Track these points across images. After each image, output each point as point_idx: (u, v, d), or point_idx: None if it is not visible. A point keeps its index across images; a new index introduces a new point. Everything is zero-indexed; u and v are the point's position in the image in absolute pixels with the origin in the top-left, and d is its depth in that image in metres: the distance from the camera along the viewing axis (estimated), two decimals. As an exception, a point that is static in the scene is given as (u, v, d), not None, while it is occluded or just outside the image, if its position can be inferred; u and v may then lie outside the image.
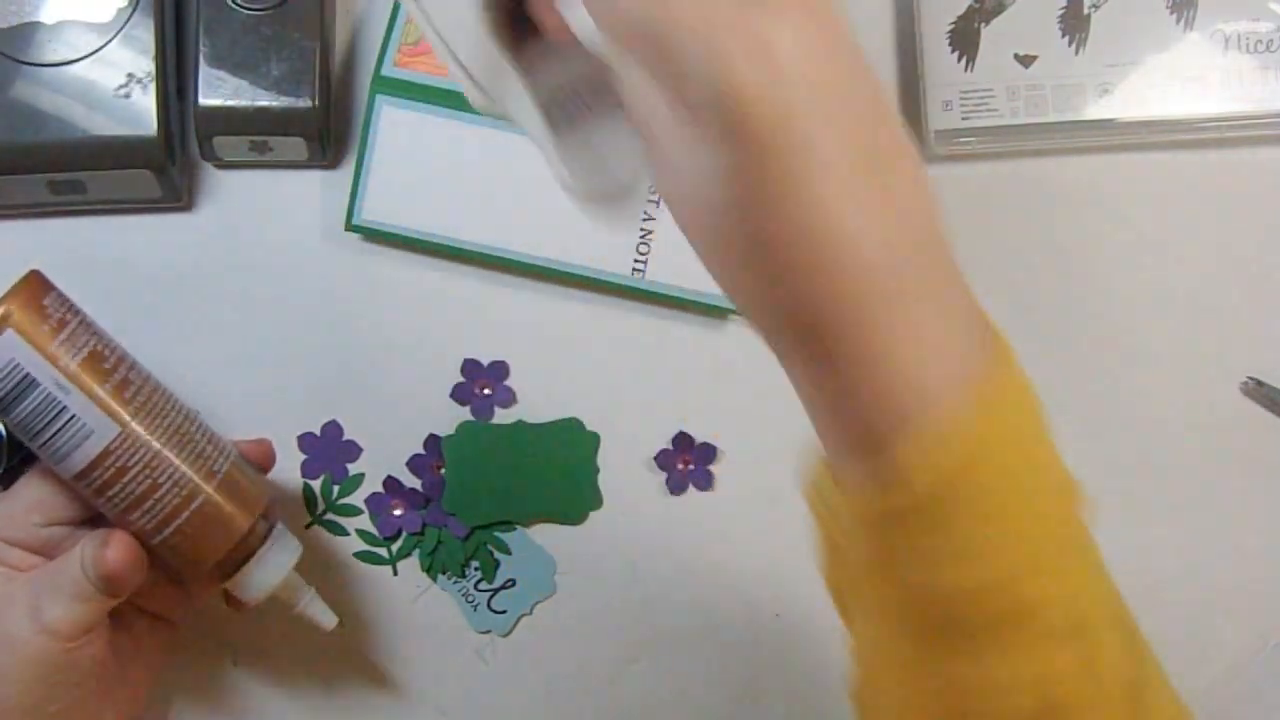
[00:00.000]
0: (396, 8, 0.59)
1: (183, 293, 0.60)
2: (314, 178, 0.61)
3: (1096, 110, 0.58)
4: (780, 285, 0.36)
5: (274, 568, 0.52)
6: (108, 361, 0.49)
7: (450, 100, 0.58)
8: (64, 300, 0.49)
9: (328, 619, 0.54)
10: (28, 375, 0.47)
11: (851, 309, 0.36)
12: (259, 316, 0.60)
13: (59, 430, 0.47)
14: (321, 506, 0.59)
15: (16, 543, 0.50)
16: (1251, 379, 0.59)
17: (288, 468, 0.59)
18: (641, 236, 0.57)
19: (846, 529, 0.40)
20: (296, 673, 0.59)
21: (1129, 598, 0.59)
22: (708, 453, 0.59)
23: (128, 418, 0.48)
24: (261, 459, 0.54)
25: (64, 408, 0.47)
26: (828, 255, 0.35)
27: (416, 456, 0.59)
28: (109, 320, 0.50)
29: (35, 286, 0.48)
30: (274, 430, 0.56)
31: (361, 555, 0.59)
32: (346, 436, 0.59)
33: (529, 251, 0.58)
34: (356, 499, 0.59)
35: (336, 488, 0.59)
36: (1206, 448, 0.59)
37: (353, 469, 0.59)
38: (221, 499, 0.51)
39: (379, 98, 0.58)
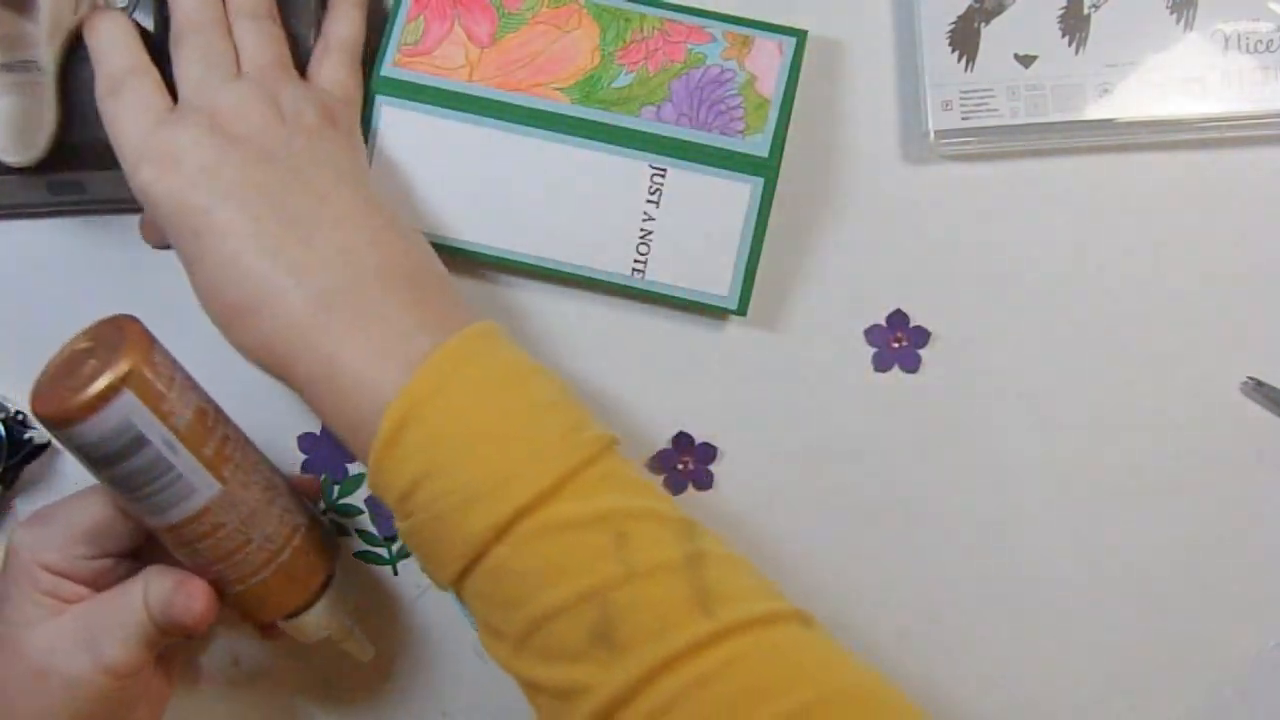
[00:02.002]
0: (397, 7, 0.59)
1: (182, 291, 0.60)
2: (314, 178, 0.61)
3: (1096, 110, 0.58)
4: (242, 344, 0.47)
5: (332, 614, 0.53)
6: (210, 418, 0.48)
7: (450, 100, 0.58)
8: (167, 354, 0.48)
9: (366, 653, 0.55)
10: (140, 435, 0.45)
11: (291, 349, 0.46)
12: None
13: (161, 488, 0.46)
14: (321, 506, 0.59)
15: (62, 572, 0.49)
16: (1251, 379, 0.59)
17: (288, 468, 0.59)
18: (641, 237, 0.57)
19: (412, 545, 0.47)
20: (297, 672, 0.60)
21: (1129, 597, 0.59)
22: (707, 453, 0.59)
23: (228, 475, 0.48)
24: (307, 494, 0.55)
25: (171, 466, 0.46)
26: (257, 313, 0.46)
27: (416, 456, 0.59)
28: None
29: (144, 340, 0.47)
30: (274, 430, 0.56)
31: (361, 555, 0.59)
32: (346, 436, 0.59)
33: (529, 251, 0.58)
34: (356, 499, 0.59)
35: (336, 488, 0.59)
36: (1206, 448, 0.59)
37: (353, 469, 0.59)
38: (301, 556, 0.51)
39: (379, 98, 0.58)
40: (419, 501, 0.44)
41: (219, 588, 0.49)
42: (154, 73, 0.52)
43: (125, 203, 0.59)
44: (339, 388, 0.45)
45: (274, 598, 0.50)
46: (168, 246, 0.51)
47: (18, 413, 0.58)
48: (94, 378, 0.44)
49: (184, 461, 0.46)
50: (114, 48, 0.52)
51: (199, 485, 0.47)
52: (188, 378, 0.48)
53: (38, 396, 0.45)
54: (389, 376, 0.44)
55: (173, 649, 0.52)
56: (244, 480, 0.48)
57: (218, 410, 0.49)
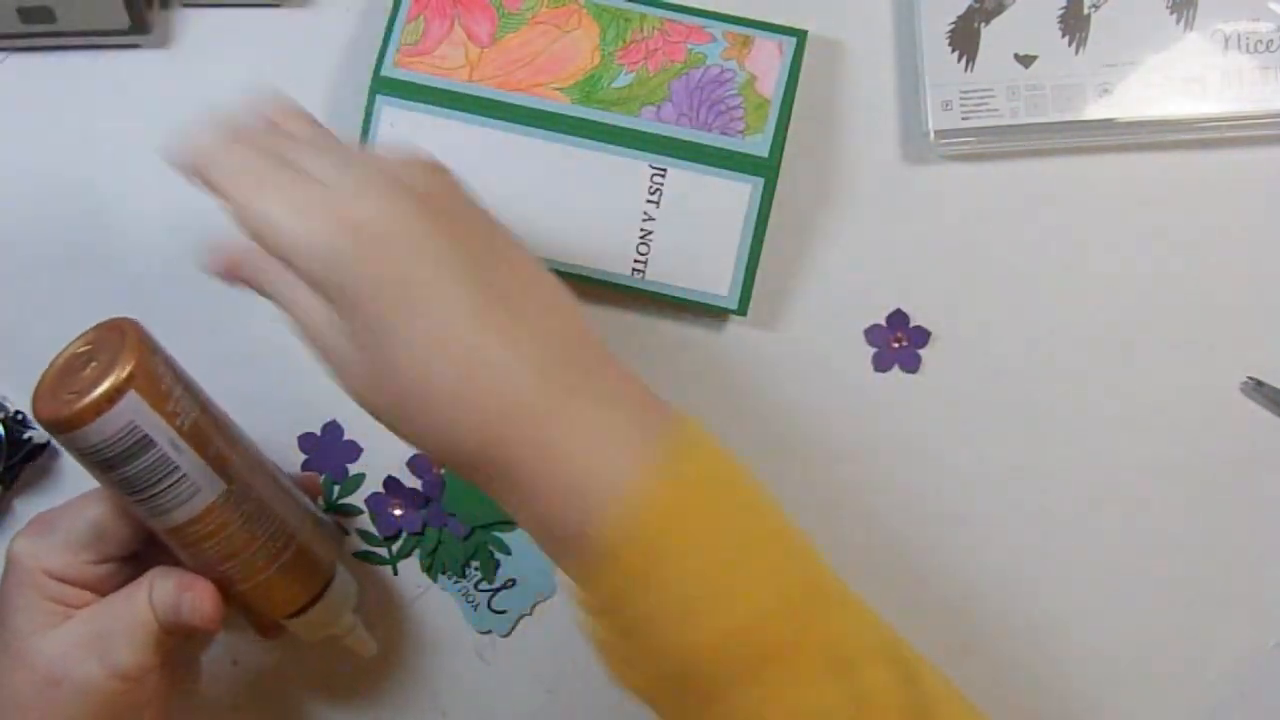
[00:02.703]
0: (397, 7, 0.59)
1: (183, 291, 0.60)
2: (314, 178, 0.61)
3: (1096, 110, 0.58)
4: (441, 432, 0.39)
5: (336, 611, 0.53)
6: (212, 417, 0.48)
7: (450, 100, 0.58)
8: (167, 354, 0.47)
9: (370, 649, 0.55)
10: (145, 436, 0.45)
11: (504, 441, 0.39)
12: (259, 316, 0.60)
13: (167, 489, 0.46)
14: (322, 506, 0.59)
15: (66, 578, 0.49)
16: (1251, 379, 0.59)
17: (288, 468, 0.59)
18: (641, 237, 0.57)
19: (601, 638, 0.42)
20: (296, 672, 0.60)
21: (1130, 597, 0.59)
22: (708, 453, 0.59)
23: (232, 473, 0.47)
24: (308, 492, 0.55)
25: (176, 467, 0.46)
26: (472, 392, 0.39)
27: (417, 456, 0.59)
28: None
29: (144, 341, 0.46)
30: (274, 430, 0.56)
31: (361, 555, 0.59)
32: (347, 436, 0.59)
33: (529, 251, 0.58)
34: (356, 499, 0.59)
35: (336, 488, 0.59)
36: (1206, 448, 0.59)
37: (353, 469, 0.59)
38: (305, 553, 0.51)
39: (379, 98, 0.58)
40: (632, 610, 0.40)
41: (224, 587, 0.49)
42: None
43: (96, 34, 0.58)
44: (556, 482, 0.39)
45: (279, 595, 0.50)
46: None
47: (17, 412, 0.58)
48: (97, 380, 0.44)
49: (189, 461, 0.46)
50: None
51: (204, 485, 0.47)
52: (188, 378, 0.48)
53: (39, 401, 0.45)
54: (617, 479, 0.39)
55: (176, 650, 0.52)
56: (247, 479, 0.48)
57: (221, 411, 0.49)
